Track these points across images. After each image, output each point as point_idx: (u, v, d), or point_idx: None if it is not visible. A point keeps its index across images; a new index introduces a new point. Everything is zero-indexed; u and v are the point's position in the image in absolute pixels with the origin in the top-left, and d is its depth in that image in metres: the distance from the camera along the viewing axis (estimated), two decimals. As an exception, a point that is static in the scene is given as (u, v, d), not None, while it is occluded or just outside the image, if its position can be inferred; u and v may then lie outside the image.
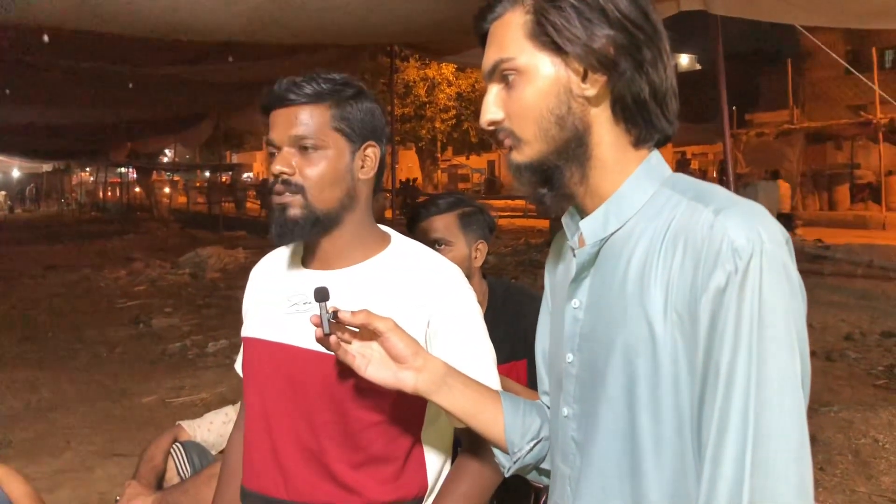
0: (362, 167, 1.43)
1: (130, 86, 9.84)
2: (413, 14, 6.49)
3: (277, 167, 1.36)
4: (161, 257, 12.68)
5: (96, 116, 15.23)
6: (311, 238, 1.42)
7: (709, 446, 0.89)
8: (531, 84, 1.00)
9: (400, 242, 1.51)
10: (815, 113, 24.73)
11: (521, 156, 1.03)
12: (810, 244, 11.12)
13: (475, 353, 1.41)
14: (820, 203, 20.84)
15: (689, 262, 0.91)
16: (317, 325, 1.13)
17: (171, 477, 2.19)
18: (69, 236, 18.78)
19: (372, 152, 1.44)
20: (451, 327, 1.40)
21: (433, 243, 2.04)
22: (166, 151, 29.53)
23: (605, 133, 1.01)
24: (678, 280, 0.92)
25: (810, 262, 9.64)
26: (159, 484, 2.16)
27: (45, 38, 5.98)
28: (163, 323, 7.78)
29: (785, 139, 20.59)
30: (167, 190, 30.79)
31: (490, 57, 1.04)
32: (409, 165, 40.04)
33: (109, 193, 33.22)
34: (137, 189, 29.31)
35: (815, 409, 4.58)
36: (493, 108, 1.04)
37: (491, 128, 1.05)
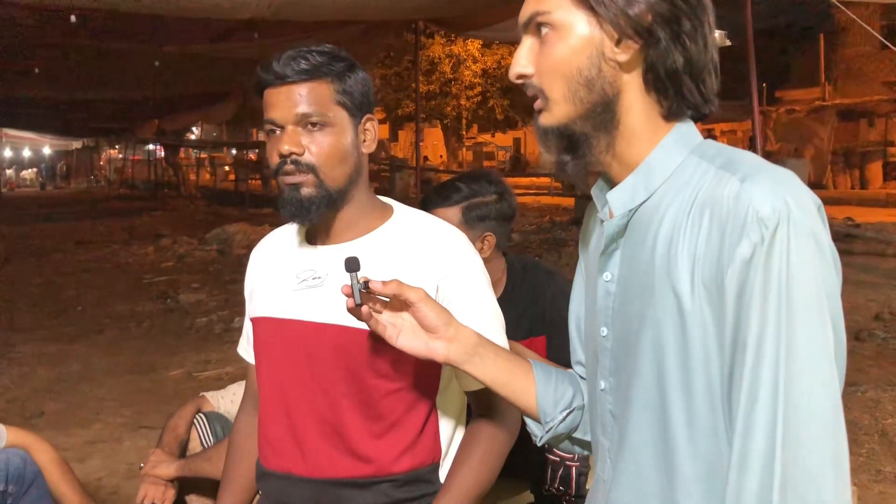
0: (364, 140, 1.43)
1: (157, 64, 9.89)
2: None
3: (286, 147, 1.34)
4: (188, 234, 12.80)
5: (124, 94, 15.35)
6: (326, 213, 1.41)
7: (738, 420, 0.88)
8: (563, 41, 0.97)
9: (403, 212, 1.50)
10: (848, 89, 24.22)
11: (550, 117, 1.00)
12: (840, 222, 10.94)
13: (485, 317, 1.41)
14: (851, 181, 20.47)
15: (716, 234, 0.89)
16: (348, 296, 1.11)
17: (195, 447, 2.22)
18: (98, 212, 19.04)
19: (371, 125, 1.44)
20: (460, 292, 1.40)
21: None
22: (193, 129, 29.73)
23: (635, 101, 0.98)
24: (705, 252, 0.90)
25: (840, 241, 9.47)
26: (182, 452, 2.20)
27: (73, 18, 6.03)
28: (190, 298, 7.87)
29: (816, 116, 20.25)
30: (194, 167, 31.03)
31: (528, 8, 1.01)
32: (434, 143, 39.96)
33: (137, 170, 33.57)
34: (166, 168, 29.54)
35: (843, 388, 4.53)
36: (523, 62, 1.01)
37: (519, 81, 1.02)
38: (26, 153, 43.32)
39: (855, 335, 5.73)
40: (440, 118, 30.60)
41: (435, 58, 27.02)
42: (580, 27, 0.96)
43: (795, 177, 0.90)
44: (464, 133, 36.80)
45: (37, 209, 21.24)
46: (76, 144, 39.92)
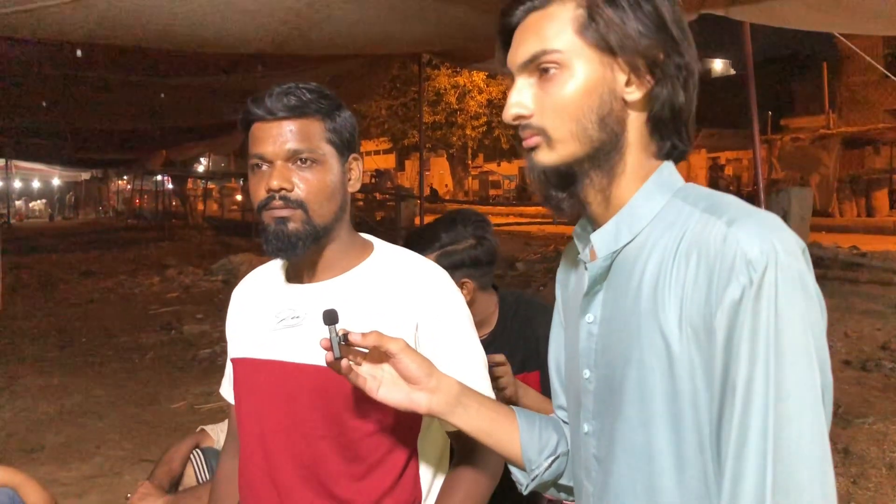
0: (349, 179, 1.43)
1: (163, 96, 9.98)
2: (441, 23, 6.49)
3: (275, 182, 1.33)
4: (194, 264, 12.83)
5: (132, 126, 15.48)
6: (311, 249, 1.40)
7: (728, 462, 0.87)
8: (574, 80, 0.96)
9: (383, 249, 1.49)
10: (853, 117, 24.30)
11: (552, 155, 0.98)
12: (846, 251, 10.89)
13: (465, 356, 1.39)
14: (857, 209, 20.42)
15: (703, 276, 0.89)
16: (327, 349, 1.09)
17: (190, 482, 2.20)
18: (105, 243, 19.09)
19: (356, 164, 1.44)
20: (440, 331, 1.38)
21: None
22: (201, 160, 29.91)
23: (636, 140, 0.99)
24: (692, 294, 0.90)
25: (845, 270, 9.44)
26: (174, 488, 2.17)
27: (79, 52, 6.10)
28: (194, 329, 7.85)
29: (821, 144, 20.27)
30: (201, 198, 31.18)
31: (528, 48, 0.98)
32: (440, 172, 40.14)
33: (145, 201, 33.71)
34: (173, 199, 29.71)
35: (849, 420, 4.48)
36: (523, 102, 0.99)
37: (515, 122, 1.00)
38: (35, 184, 43.65)
39: (862, 365, 5.67)
40: (446, 148, 30.79)
41: (441, 88, 27.25)
42: (593, 66, 0.96)
43: (780, 220, 0.90)
44: (469, 162, 37.01)
45: (45, 240, 21.33)
46: (85, 176, 40.20)
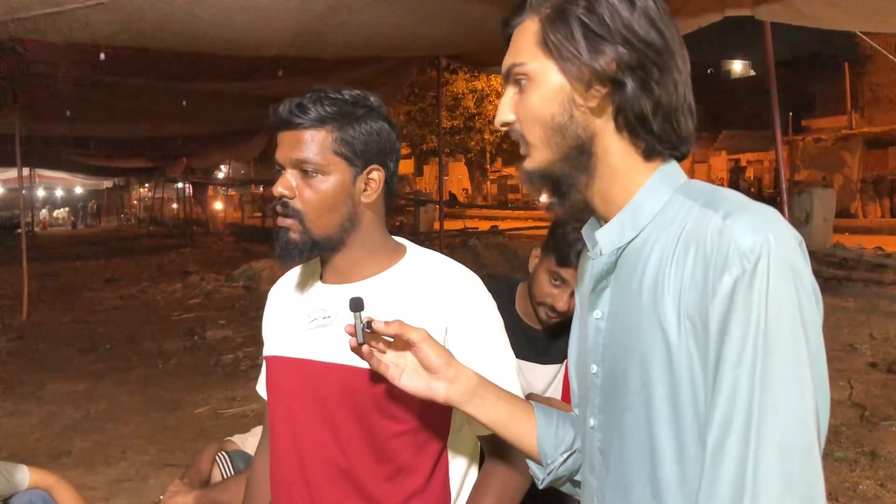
0: (365, 190, 1.42)
1: (184, 103, 10.07)
2: (459, 24, 6.52)
3: (279, 189, 1.38)
4: (216, 270, 12.94)
5: (154, 134, 15.63)
6: (313, 257, 1.43)
7: (710, 447, 0.88)
8: (538, 90, 1.02)
9: (415, 253, 1.50)
10: (875, 117, 24.03)
11: (531, 162, 1.04)
12: (870, 252, 10.77)
13: (495, 361, 1.40)
14: (881, 209, 20.20)
15: (700, 269, 0.91)
16: (351, 335, 1.13)
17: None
18: (128, 250, 19.31)
19: (377, 175, 1.42)
20: (470, 335, 1.39)
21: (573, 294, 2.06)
22: (221, 167, 30.18)
23: (611, 143, 1.01)
24: (689, 287, 0.92)
25: (870, 271, 9.34)
26: (203, 487, 2.21)
27: (102, 55, 6.14)
28: (217, 335, 7.92)
29: (843, 144, 20.09)
30: (222, 205, 31.44)
31: (507, 60, 1.06)
32: (458, 177, 40.14)
33: (166, 209, 34.03)
34: (194, 206, 29.98)
35: (876, 423, 4.43)
36: (505, 110, 1.06)
37: (504, 128, 1.07)
38: (58, 193, 44.16)
39: (888, 367, 5.61)
40: (464, 152, 30.81)
41: (459, 93, 27.29)
42: (551, 76, 1.01)
43: (777, 213, 0.92)
44: (488, 167, 37.00)
45: (68, 248, 21.59)
46: (107, 184, 40.64)
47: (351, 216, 1.41)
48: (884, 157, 22.69)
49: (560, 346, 2.14)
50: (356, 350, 1.15)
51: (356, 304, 1.14)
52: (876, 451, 3.98)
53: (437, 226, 14.57)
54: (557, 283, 2.04)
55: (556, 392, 2.20)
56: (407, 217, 19.70)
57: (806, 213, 12.66)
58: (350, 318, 1.14)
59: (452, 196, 26.11)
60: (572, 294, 1.98)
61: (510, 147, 29.99)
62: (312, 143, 1.37)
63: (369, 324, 1.13)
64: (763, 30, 6.27)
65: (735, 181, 25.00)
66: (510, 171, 40.87)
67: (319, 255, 1.44)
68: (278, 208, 1.39)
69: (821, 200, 12.97)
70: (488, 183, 38.83)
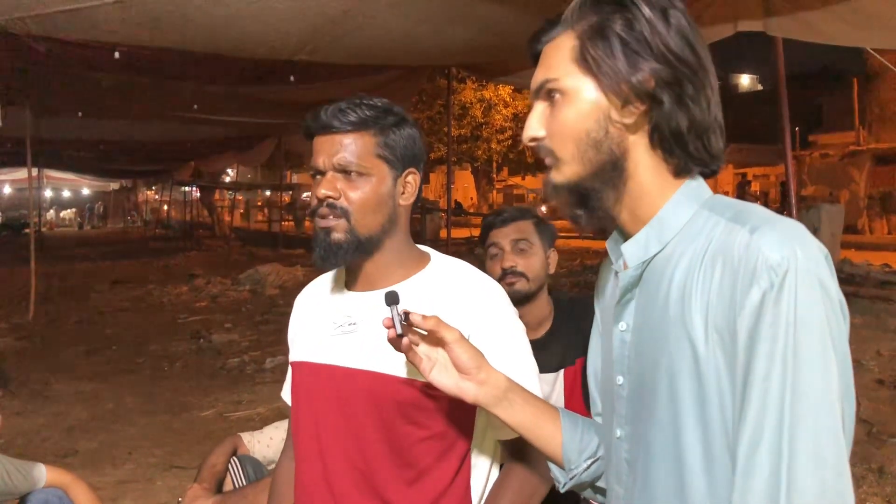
0: (403, 193, 1.47)
1: (195, 107, 10.11)
2: (470, 36, 6.55)
3: (323, 191, 1.40)
4: (222, 274, 12.96)
5: (163, 137, 15.69)
6: (353, 261, 1.45)
7: (740, 459, 0.89)
8: (573, 106, 1.02)
9: (440, 261, 1.53)
10: (883, 133, 23.99)
11: (560, 175, 1.06)
12: (878, 269, 10.75)
13: (517, 367, 1.41)
14: (888, 226, 20.15)
15: (727, 282, 0.92)
16: (388, 328, 1.15)
17: (227, 489, 2.24)
18: (134, 253, 19.34)
19: (413, 179, 1.47)
20: (493, 341, 1.41)
21: (516, 243, 2.19)
22: (228, 171, 30.24)
23: (643, 159, 1.03)
24: (717, 300, 0.93)
25: (878, 288, 9.32)
26: (220, 487, 2.23)
27: (116, 54, 6.14)
28: (222, 338, 7.93)
29: (851, 160, 20.07)
30: (228, 208, 31.51)
31: (539, 76, 1.07)
32: (464, 185, 40.20)
33: (173, 211, 34.11)
34: (200, 207, 30.04)
35: (884, 439, 4.42)
36: (535, 125, 1.07)
37: (532, 144, 1.08)
38: (65, 194, 44.30)
39: (895, 384, 5.60)
40: (471, 161, 30.84)
41: (466, 102, 27.34)
42: (587, 93, 1.02)
43: (803, 227, 0.93)
44: (494, 176, 37.02)
45: (75, 249, 21.64)
46: (113, 185, 40.77)
47: (391, 217, 1.45)
48: (891, 174, 22.64)
49: (550, 354, 2.19)
50: (394, 342, 1.16)
51: (392, 298, 1.15)
52: (883, 468, 3.98)
53: (443, 234, 14.60)
54: (496, 251, 2.20)
55: (558, 401, 2.21)
56: (413, 225, 19.68)
57: (814, 228, 12.62)
58: (376, 323, 1.15)
59: (458, 204, 26.15)
60: (513, 247, 2.18)
61: (517, 157, 30.02)
62: (355, 146, 1.40)
63: (406, 315, 1.14)
64: (774, 45, 6.30)
65: (741, 196, 24.96)
66: (516, 180, 40.89)
67: (353, 260, 1.45)
68: (323, 210, 1.41)
69: (829, 216, 12.92)
70: (494, 192, 38.85)
